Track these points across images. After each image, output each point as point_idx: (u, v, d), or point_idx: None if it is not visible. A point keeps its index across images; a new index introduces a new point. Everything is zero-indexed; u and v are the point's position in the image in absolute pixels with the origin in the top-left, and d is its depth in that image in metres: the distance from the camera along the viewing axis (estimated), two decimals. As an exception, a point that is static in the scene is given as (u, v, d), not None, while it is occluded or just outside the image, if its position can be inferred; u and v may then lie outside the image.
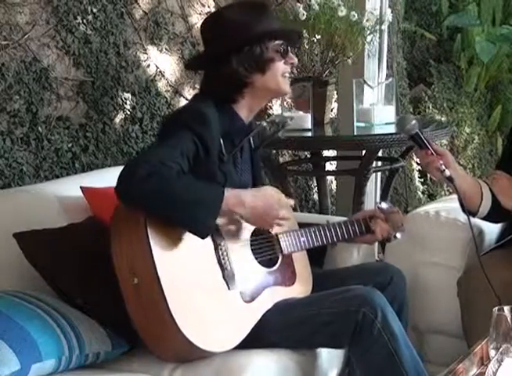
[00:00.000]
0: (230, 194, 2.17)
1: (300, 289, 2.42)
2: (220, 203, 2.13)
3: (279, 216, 2.28)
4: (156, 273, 2.10)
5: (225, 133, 2.33)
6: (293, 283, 2.42)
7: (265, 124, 2.50)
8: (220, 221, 2.22)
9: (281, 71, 2.38)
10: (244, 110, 2.40)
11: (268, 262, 2.37)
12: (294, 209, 3.75)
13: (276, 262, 2.40)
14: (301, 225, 2.52)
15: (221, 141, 2.32)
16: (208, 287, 2.20)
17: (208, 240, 2.21)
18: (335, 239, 2.50)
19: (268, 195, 2.29)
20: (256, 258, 2.34)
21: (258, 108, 2.45)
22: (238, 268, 2.27)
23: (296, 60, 2.42)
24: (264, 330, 2.24)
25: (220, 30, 2.35)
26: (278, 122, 2.53)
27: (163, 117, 3.60)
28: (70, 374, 2.16)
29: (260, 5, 2.40)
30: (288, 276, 2.42)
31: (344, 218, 2.62)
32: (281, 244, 2.39)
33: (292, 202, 2.42)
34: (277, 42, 2.36)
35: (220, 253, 2.24)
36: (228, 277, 2.24)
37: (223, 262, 2.24)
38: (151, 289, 2.11)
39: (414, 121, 2.43)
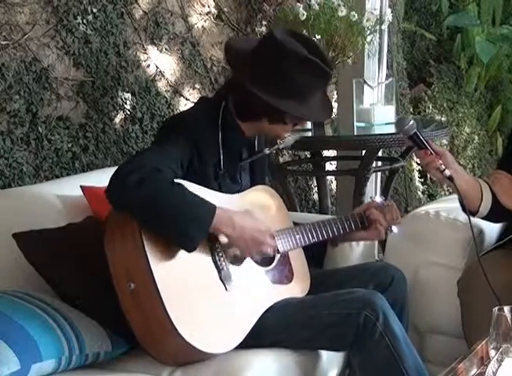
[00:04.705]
0: (222, 213, 2.15)
1: (298, 287, 2.42)
2: (211, 220, 2.12)
3: (266, 241, 2.24)
4: (153, 277, 2.09)
5: (226, 145, 2.34)
6: (290, 281, 2.41)
7: (267, 151, 2.50)
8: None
9: (285, 132, 2.42)
10: (246, 129, 2.41)
11: (264, 261, 2.37)
12: (294, 209, 3.78)
13: (273, 260, 2.39)
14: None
15: (221, 152, 2.32)
16: (205, 289, 2.19)
17: (204, 241, 2.20)
18: (330, 234, 2.49)
19: (256, 216, 2.27)
20: (252, 258, 2.34)
21: (257, 134, 2.48)
22: (235, 268, 2.27)
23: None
24: (263, 330, 2.24)
25: (278, 75, 2.29)
26: (282, 148, 2.54)
27: (162, 121, 3.61)
28: (70, 374, 2.15)
29: (326, 78, 2.37)
30: (285, 275, 2.41)
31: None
32: (276, 242, 2.38)
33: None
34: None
35: (216, 254, 2.24)
36: (224, 278, 2.23)
37: (219, 263, 2.23)
38: (148, 293, 2.10)
39: (412, 122, 2.42)
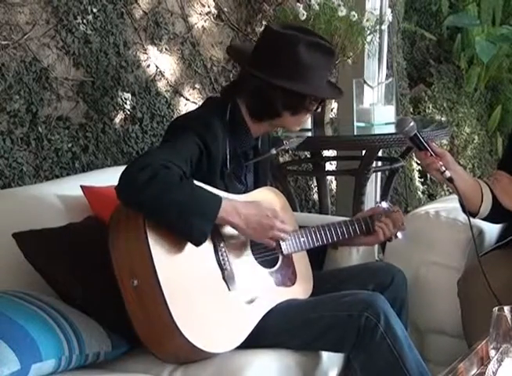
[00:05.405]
0: (227, 203, 2.17)
1: (300, 289, 2.42)
2: (217, 211, 2.13)
3: (275, 225, 2.25)
4: (156, 275, 2.09)
5: (233, 145, 2.34)
6: (293, 284, 2.41)
7: (274, 152, 2.50)
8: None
9: (305, 118, 2.45)
10: (256, 129, 2.41)
11: (268, 263, 2.37)
12: (294, 209, 3.77)
13: (276, 262, 2.39)
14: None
15: (228, 152, 2.32)
16: (208, 289, 2.20)
17: (208, 241, 2.20)
18: (335, 238, 2.49)
19: (261, 204, 2.27)
20: (256, 259, 2.33)
21: (268, 131, 2.50)
22: (238, 269, 2.27)
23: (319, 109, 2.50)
24: (265, 331, 2.24)
25: (286, 59, 2.32)
26: (288, 149, 2.55)
27: (162, 121, 3.61)
28: (70, 374, 2.15)
29: (331, 55, 2.39)
30: (288, 277, 2.41)
31: (345, 219, 2.62)
32: (281, 244, 2.38)
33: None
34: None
35: (220, 254, 2.24)
36: (228, 278, 2.23)
37: (223, 262, 2.24)
38: (151, 291, 2.10)
39: (412, 123, 2.43)
